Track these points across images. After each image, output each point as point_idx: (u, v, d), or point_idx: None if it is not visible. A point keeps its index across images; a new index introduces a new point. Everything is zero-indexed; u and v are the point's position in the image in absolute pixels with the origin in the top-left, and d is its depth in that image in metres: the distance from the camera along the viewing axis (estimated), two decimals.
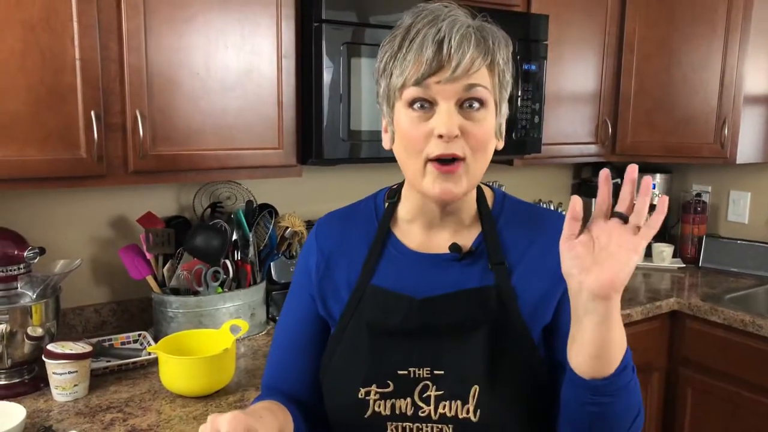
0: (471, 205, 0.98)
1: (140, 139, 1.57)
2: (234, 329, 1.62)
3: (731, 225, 2.86)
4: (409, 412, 0.91)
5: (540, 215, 1.02)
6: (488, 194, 1.02)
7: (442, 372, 0.91)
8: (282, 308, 1.09)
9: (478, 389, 0.89)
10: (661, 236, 2.98)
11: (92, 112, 1.50)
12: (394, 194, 1.03)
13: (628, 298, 2.33)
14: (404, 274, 0.97)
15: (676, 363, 2.39)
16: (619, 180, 3.00)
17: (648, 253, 2.85)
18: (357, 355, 0.94)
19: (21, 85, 1.42)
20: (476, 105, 0.87)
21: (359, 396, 0.92)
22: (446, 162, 0.87)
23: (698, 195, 2.86)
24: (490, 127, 0.90)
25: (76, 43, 1.47)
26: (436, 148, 0.86)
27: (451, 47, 0.84)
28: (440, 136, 0.86)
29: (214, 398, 1.50)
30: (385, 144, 0.96)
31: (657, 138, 2.59)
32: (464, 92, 0.86)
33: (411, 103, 0.88)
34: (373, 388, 0.91)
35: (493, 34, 0.89)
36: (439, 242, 0.98)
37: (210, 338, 1.62)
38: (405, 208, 1.00)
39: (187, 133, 1.66)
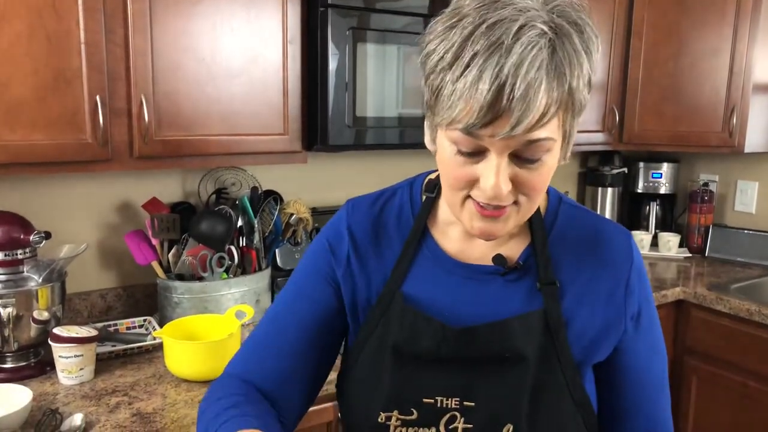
0: None
1: (145, 124, 1.57)
2: (239, 315, 1.63)
3: (738, 215, 2.84)
4: None
5: (599, 228, 0.88)
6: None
7: (473, 404, 0.81)
8: (284, 289, 0.94)
9: (511, 428, 0.80)
10: (667, 226, 2.97)
11: (97, 97, 1.50)
12: (433, 187, 0.89)
13: None
14: (438, 284, 0.86)
15: (681, 352, 2.39)
16: (625, 169, 2.99)
17: (654, 243, 2.85)
18: (379, 374, 0.84)
19: (27, 70, 1.42)
20: (537, 155, 0.72)
21: (379, 420, 0.83)
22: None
23: (705, 184, 2.84)
24: (551, 168, 0.75)
25: (81, 26, 1.47)
26: (480, 196, 0.73)
27: (513, 97, 0.65)
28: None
29: None
30: (428, 146, 0.81)
31: (665, 126, 2.57)
32: (523, 146, 0.70)
33: (455, 142, 0.72)
34: (395, 413, 0.82)
35: (572, 53, 0.68)
36: (481, 251, 0.86)
37: (215, 323, 1.62)
38: (445, 207, 0.87)
39: (193, 119, 1.65)
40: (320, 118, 1.82)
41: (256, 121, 1.75)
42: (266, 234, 1.99)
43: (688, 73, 2.51)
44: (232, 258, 1.87)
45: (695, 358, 2.35)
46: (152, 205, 1.87)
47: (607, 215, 2.93)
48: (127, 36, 1.54)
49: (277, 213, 2.00)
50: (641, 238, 2.81)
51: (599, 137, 2.59)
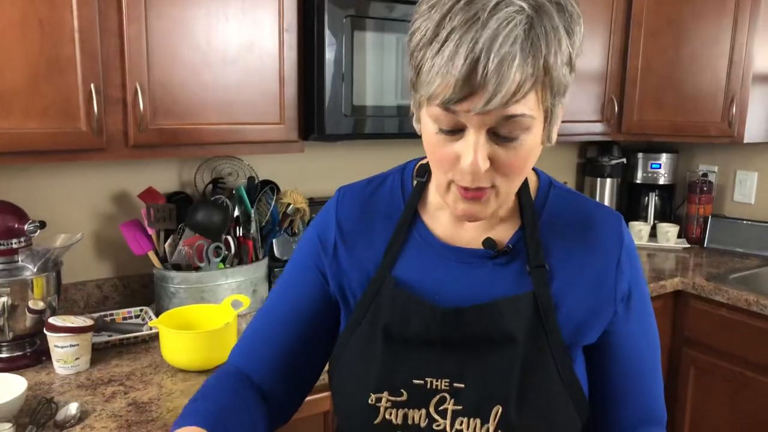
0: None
1: (140, 112, 1.56)
2: (235, 304, 1.62)
3: (737, 205, 2.84)
4: (423, 424, 0.82)
5: (589, 212, 0.88)
6: (532, 180, 0.89)
7: (463, 386, 0.82)
8: (279, 279, 0.98)
9: (500, 410, 0.80)
10: (666, 216, 2.97)
11: (92, 85, 1.49)
12: (423, 172, 0.90)
13: None
14: (429, 268, 0.87)
15: (679, 342, 2.39)
16: (624, 159, 2.98)
17: (653, 233, 2.84)
18: (370, 356, 0.85)
19: (20, 57, 1.40)
20: (515, 133, 0.72)
21: (369, 401, 0.83)
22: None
23: (704, 175, 2.83)
24: (531, 148, 0.74)
25: (75, 14, 1.45)
26: (461, 178, 0.74)
27: (487, 71, 0.65)
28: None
29: None
30: (415, 126, 0.82)
31: (664, 116, 2.56)
32: (500, 122, 0.70)
33: (436, 120, 0.73)
34: (385, 395, 0.83)
35: (550, 31, 0.68)
36: (471, 235, 0.87)
37: (211, 313, 1.62)
38: (435, 191, 0.87)
39: (188, 107, 1.64)
40: (317, 107, 1.80)
41: (252, 110, 1.74)
42: (263, 224, 1.98)
43: (688, 63, 2.50)
44: (228, 248, 1.86)
45: (693, 349, 2.34)
46: (148, 194, 1.86)
47: None
48: (122, 24, 1.52)
49: (273, 203, 2.00)
50: (640, 229, 2.80)
51: (598, 127, 2.58)
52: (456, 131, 0.73)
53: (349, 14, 1.77)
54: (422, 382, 0.82)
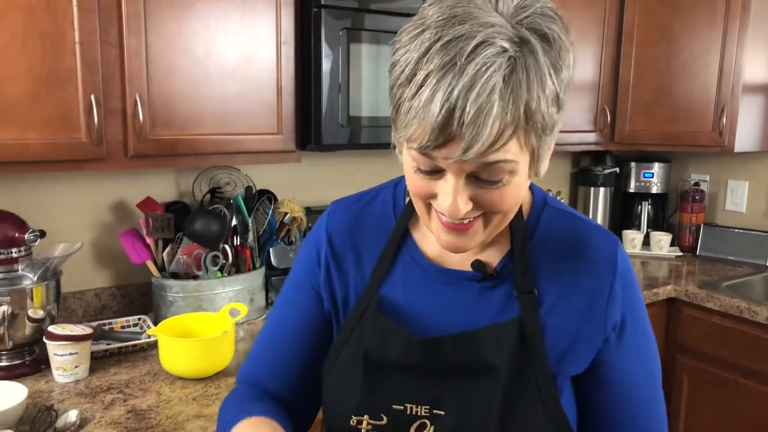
0: None
1: (140, 123, 1.58)
2: (233, 312, 1.64)
3: (729, 214, 2.87)
4: None
5: (583, 234, 0.84)
6: (525, 199, 0.85)
7: (443, 413, 0.80)
8: (279, 296, 0.98)
9: None
10: (659, 225, 3.00)
11: (92, 96, 1.51)
12: None
13: None
14: (415, 289, 0.85)
15: (673, 350, 2.41)
16: (617, 169, 3.00)
17: (646, 242, 2.87)
18: (352, 378, 0.84)
19: (21, 69, 1.42)
20: (497, 177, 0.69)
21: (351, 423, 0.83)
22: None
23: (696, 184, 2.86)
24: (518, 185, 0.71)
25: (76, 26, 1.48)
26: (442, 212, 0.72)
27: (463, 121, 0.62)
28: None
29: (213, 380, 1.51)
30: (399, 158, 0.80)
31: (656, 126, 2.60)
32: (480, 168, 0.67)
33: (415, 160, 0.71)
34: (366, 418, 0.82)
35: (533, 72, 0.64)
36: (461, 255, 0.84)
37: (209, 321, 1.63)
38: None
39: (187, 118, 1.66)
40: (314, 118, 1.83)
41: (250, 121, 1.76)
42: (260, 233, 2.00)
43: (679, 74, 2.53)
44: (226, 257, 1.88)
45: (686, 356, 2.37)
46: (147, 204, 1.88)
47: (599, 215, 2.95)
48: (122, 36, 1.54)
49: (271, 212, 2.02)
50: (633, 237, 2.83)
51: (591, 137, 2.61)
52: (435, 172, 0.70)
53: (346, 26, 1.80)
54: (402, 407, 0.82)
